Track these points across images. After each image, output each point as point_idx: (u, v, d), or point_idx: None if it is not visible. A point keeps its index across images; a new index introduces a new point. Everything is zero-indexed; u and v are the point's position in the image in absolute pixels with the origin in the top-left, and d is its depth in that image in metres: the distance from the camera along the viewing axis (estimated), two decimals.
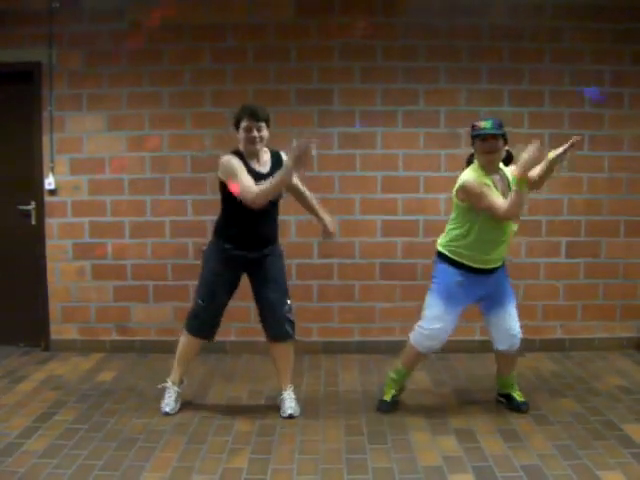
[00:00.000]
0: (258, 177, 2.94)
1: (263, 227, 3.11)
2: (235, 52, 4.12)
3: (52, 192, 4.21)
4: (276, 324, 3.15)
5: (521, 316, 4.18)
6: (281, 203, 4.15)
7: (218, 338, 4.08)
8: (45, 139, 4.18)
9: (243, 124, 2.97)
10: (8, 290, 4.35)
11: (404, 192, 4.17)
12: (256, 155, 3.04)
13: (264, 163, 3.07)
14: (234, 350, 4.21)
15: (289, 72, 4.12)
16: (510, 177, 3.00)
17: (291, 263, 4.22)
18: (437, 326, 3.06)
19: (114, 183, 4.20)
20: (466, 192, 2.90)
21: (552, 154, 2.97)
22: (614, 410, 3.17)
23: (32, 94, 4.15)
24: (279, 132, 4.13)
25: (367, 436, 2.93)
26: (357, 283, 4.23)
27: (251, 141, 2.98)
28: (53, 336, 4.31)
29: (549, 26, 4.10)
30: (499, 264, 3.07)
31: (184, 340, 3.27)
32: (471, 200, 2.91)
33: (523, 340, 4.18)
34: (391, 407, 3.21)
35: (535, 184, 3.03)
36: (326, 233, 3.30)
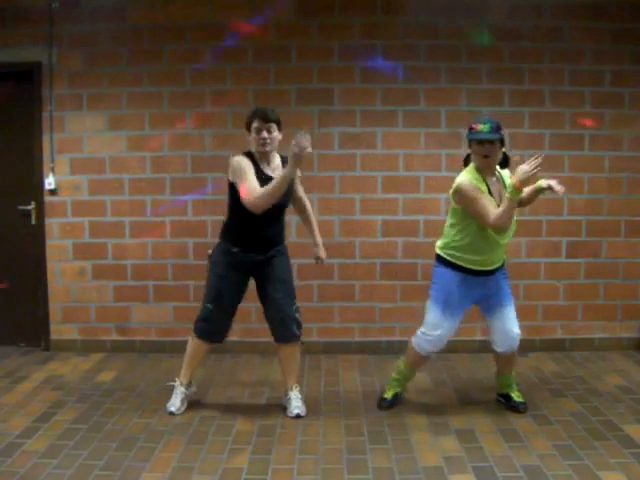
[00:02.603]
0: (267, 180, 2.92)
1: (271, 230, 3.10)
2: (235, 52, 4.12)
3: (52, 192, 4.21)
4: (283, 325, 3.13)
5: (521, 316, 4.17)
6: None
7: None
8: (45, 139, 4.18)
9: (254, 125, 2.97)
10: (8, 290, 4.35)
11: (404, 192, 4.17)
12: (267, 158, 3.04)
13: (275, 167, 3.06)
14: (234, 350, 4.21)
15: (289, 72, 4.12)
16: (506, 180, 2.99)
17: (291, 263, 4.22)
18: (437, 332, 3.07)
19: (114, 183, 4.20)
20: (460, 195, 2.89)
21: (543, 182, 2.94)
22: (615, 410, 3.17)
23: (32, 94, 4.15)
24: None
25: (367, 436, 2.93)
26: (357, 283, 4.23)
27: (261, 143, 2.97)
28: (53, 336, 4.31)
29: (549, 26, 4.10)
30: (499, 265, 3.07)
31: (193, 344, 3.26)
32: (465, 203, 2.90)
33: (523, 340, 4.21)
34: (391, 405, 3.23)
35: (522, 202, 3.03)
36: (318, 258, 3.39)
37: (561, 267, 4.22)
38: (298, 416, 3.13)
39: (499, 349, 3.13)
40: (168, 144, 4.18)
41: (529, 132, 4.15)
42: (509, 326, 3.09)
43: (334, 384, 3.69)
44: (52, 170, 4.18)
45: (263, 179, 2.94)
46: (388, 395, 3.26)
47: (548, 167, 4.16)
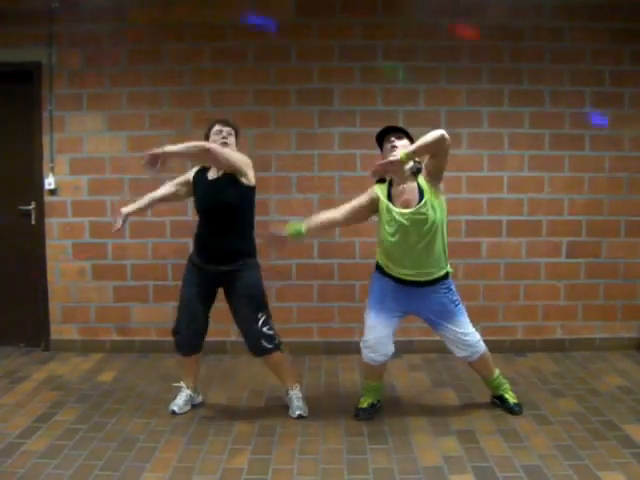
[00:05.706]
0: (207, 184, 3.09)
1: (222, 241, 3.06)
2: (235, 52, 4.12)
3: (52, 192, 4.21)
4: (251, 339, 3.11)
5: (521, 316, 4.22)
6: (280, 204, 4.19)
7: (218, 338, 4.13)
8: (45, 139, 4.18)
9: (215, 128, 3.10)
10: (8, 290, 4.35)
11: None
12: None
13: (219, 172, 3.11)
14: (234, 350, 4.21)
15: (289, 72, 4.12)
16: (425, 188, 2.90)
17: (291, 263, 4.23)
18: (370, 336, 3.08)
19: (114, 183, 4.20)
20: None
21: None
22: (615, 410, 3.17)
23: (32, 94, 4.15)
24: (279, 132, 4.17)
25: (367, 436, 2.93)
26: (357, 283, 4.23)
27: (222, 142, 3.05)
28: (53, 336, 4.31)
29: (549, 26, 4.10)
30: (421, 279, 2.97)
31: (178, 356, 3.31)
32: None
33: (524, 340, 4.23)
34: (368, 414, 3.15)
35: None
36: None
37: (561, 267, 4.22)
38: (300, 417, 3.13)
39: (459, 354, 3.11)
40: (168, 144, 4.16)
41: (529, 132, 4.15)
42: (459, 338, 3.05)
43: (334, 384, 3.69)
44: (52, 170, 4.18)
45: (205, 184, 3.11)
46: (363, 405, 3.19)
47: (548, 167, 4.19)
